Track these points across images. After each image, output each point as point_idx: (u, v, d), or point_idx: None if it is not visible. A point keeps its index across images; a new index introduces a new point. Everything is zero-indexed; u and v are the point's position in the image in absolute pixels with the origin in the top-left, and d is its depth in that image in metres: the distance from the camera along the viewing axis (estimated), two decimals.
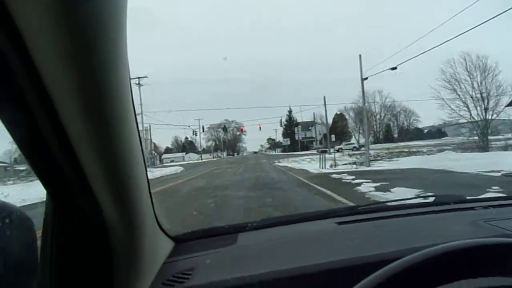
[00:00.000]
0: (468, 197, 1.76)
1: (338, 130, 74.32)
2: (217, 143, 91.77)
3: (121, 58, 0.57)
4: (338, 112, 79.42)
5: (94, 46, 0.51)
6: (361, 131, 77.13)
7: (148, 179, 0.87)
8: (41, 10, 0.45)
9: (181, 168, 27.76)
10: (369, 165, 15.95)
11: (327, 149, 29.55)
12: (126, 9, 0.54)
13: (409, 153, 23.70)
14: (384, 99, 75.46)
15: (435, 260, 0.56)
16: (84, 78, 0.52)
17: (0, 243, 0.83)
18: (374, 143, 64.09)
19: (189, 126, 68.84)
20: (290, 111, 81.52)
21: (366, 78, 17.23)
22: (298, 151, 68.47)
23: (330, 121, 71.71)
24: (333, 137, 55.09)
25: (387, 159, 19.43)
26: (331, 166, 16.52)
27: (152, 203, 0.96)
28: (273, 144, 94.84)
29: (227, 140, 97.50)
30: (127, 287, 0.82)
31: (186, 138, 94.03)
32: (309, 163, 20.55)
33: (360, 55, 17.58)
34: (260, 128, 47.04)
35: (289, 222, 1.51)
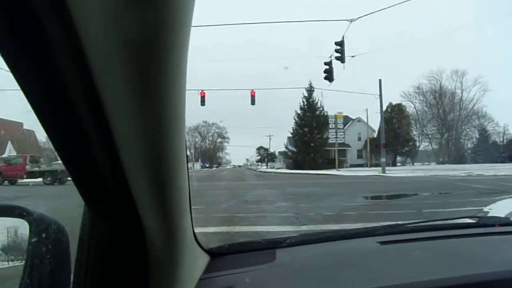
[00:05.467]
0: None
1: (394, 133, 53.15)
2: (191, 151, 78.28)
3: (181, 60, 0.62)
4: (394, 103, 58.23)
5: (157, 42, 0.55)
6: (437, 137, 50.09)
7: (189, 188, 0.97)
8: (99, 8, 0.48)
9: None
10: None
11: None
12: (193, 10, 0.59)
13: None
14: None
15: None
16: (138, 75, 0.56)
17: (35, 259, 0.90)
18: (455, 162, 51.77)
19: None
20: (311, 89, 55.55)
21: None
22: (318, 167, 47.10)
23: (377, 118, 52.06)
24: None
25: None
26: None
27: (191, 214, 1.05)
28: (265, 155, 79.30)
29: (205, 148, 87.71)
30: None
31: None
32: None
33: None
34: (253, 95, 30.14)
35: (328, 239, 1.63)
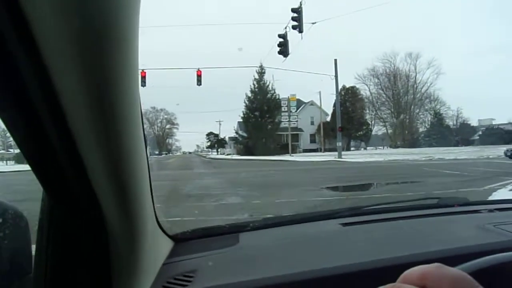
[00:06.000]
0: (472, 200, 2.05)
1: (348, 116, 50.77)
2: None
3: (131, 53, 0.66)
4: (347, 86, 57.18)
5: (104, 40, 0.58)
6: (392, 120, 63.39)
7: (150, 173, 1.01)
8: (50, 6, 0.51)
9: None
10: None
11: None
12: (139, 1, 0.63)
13: None
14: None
15: None
16: (92, 72, 0.60)
17: None
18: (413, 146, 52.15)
19: None
20: (261, 71, 52.88)
21: None
22: (270, 153, 45.11)
23: (330, 101, 59.44)
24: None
25: None
26: None
27: (153, 200, 1.09)
28: (215, 141, 76.71)
29: (154, 135, 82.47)
30: (127, 286, 0.94)
31: None
32: None
33: None
34: (199, 75, 26.60)
35: (291, 222, 1.72)
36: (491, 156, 26.52)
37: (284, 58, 20.70)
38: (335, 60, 31.75)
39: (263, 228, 1.62)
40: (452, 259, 0.99)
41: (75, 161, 0.70)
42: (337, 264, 1.13)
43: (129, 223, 0.88)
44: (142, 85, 25.82)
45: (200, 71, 25.84)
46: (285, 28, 19.58)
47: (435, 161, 24.13)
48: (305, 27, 18.62)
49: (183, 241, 1.49)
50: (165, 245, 1.36)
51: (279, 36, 19.80)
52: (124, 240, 0.88)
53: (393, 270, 0.98)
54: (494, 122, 61.03)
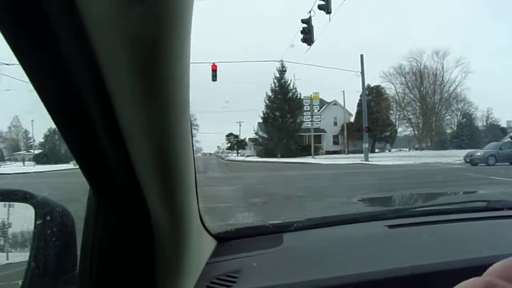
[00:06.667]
0: None
1: (372, 117, 47.48)
2: None
3: (184, 50, 0.67)
4: (372, 85, 53.63)
5: (160, 37, 0.59)
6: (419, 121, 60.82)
7: (195, 172, 1.04)
8: (105, 5, 0.53)
9: None
10: None
11: None
12: (192, 7, 0.63)
13: None
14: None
15: None
16: (144, 74, 0.62)
17: (40, 241, 0.97)
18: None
19: None
20: (282, 69, 50.80)
21: None
22: (291, 154, 43.52)
23: (354, 101, 54.62)
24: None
25: None
26: None
27: (198, 199, 1.12)
28: (235, 142, 74.07)
29: None
30: (171, 286, 0.97)
31: None
32: None
33: None
34: (214, 70, 23.71)
35: (336, 223, 1.72)
36: None
37: (308, 46, 19.45)
38: (361, 56, 31.18)
39: (307, 228, 1.62)
40: None
41: (123, 158, 0.72)
42: (384, 267, 1.13)
43: (175, 221, 0.90)
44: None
45: (216, 66, 23.89)
46: (309, 12, 18.18)
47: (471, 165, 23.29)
48: (333, 6, 16.95)
49: (226, 240, 1.51)
50: (209, 245, 1.39)
51: (303, 21, 18.26)
52: (169, 239, 0.90)
53: (443, 276, 1.04)
54: None
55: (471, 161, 23.84)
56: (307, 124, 45.76)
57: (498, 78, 79.02)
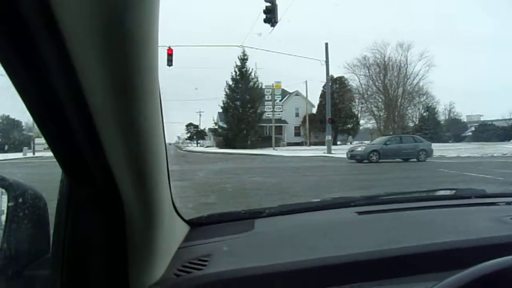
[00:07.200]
0: (489, 192, 2.07)
1: (335, 108, 45.98)
2: None
3: (151, 27, 0.67)
4: (336, 76, 52.61)
5: (124, 14, 0.59)
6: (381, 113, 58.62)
7: (167, 158, 1.05)
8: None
9: None
10: None
11: None
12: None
13: None
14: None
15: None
16: (111, 48, 0.62)
17: (12, 223, 0.98)
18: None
19: None
20: (244, 57, 49.27)
21: None
22: (252, 146, 43.37)
23: (317, 92, 52.35)
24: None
25: None
26: None
27: (170, 184, 1.15)
28: (195, 132, 72.19)
29: None
30: (143, 271, 1.00)
31: None
32: None
33: None
34: (170, 54, 21.76)
35: (307, 210, 1.75)
36: (495, 155, 25.16)
37: (272, 27, 18.15)
38: (326, 44, 30.75)
39: (278, 214, 1.66)
40: (468, 250, 1.10)
41: (94, 142, 0.73)
42: (352, 252, 1.16)
43: (147, 206, 0.92)
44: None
45: (171, 49, 22.33)
46: None
47: (443, 160, 22.39)
48: None
49: (198, 226, 1.54)
50: (181, 230, 1.42)
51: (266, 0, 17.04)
52: (141, 223, 0.92)
53: (410, 259, 1.07)
54: (482, 119, 60.28)
55: (352, 157, 22.34)
56: (268, 114, 45.34)
57: (460, 72, 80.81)
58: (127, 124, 0.73)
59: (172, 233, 1.21)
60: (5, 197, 0.96)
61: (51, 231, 0.93)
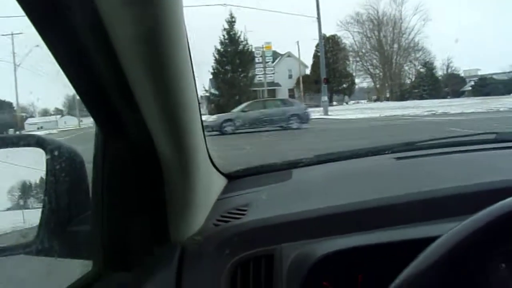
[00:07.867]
0: None
1: (330, 68, 45.18)
2: None
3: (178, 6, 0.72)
4: (328, 34, 52.54)
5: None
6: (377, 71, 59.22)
7: (200, 112, 1.08)
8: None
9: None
10: None
11: None
12: None
13: None
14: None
15: None
16: (145, 25, 0.65)
17: (53, 181, 1.00)
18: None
19: None
20: (231, 19, 45.71)
21: None
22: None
23: (309, 52, 52.33)
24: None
25: None
26: None
27: (205, 137, 1.17)
28: None
29: None
30: (182, 220, 1.03)
31: None
32: None
33: None
34: None
35: (344, 158, 1.76)
36: (501, 109, 24.14)
37: None
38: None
39: (315, 164, 1.67)
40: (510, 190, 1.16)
41: (126, 92, 0.75)
42: (387, 194, 1.14)
43: (180, 158, 0.93)
44: None
45: None
46: None
47: (447, 117, 21.33)
48: None
49: (236, 178, 1.55)
50: (219, 182, 1.43)
51: None
52: (177, 177, 0.94)
53: (453, 200, 1.05)
54: (479, 73, 58.46)
55: (206, 127, 17.38)
56: (259, 77, 44.52)
57: (458, 27, 78.94)
58: (157, 72, 0.72)
59: (209, 186, 1.23)
60: (43, 156, 0.96)
61: (90, 186, 0.95)
